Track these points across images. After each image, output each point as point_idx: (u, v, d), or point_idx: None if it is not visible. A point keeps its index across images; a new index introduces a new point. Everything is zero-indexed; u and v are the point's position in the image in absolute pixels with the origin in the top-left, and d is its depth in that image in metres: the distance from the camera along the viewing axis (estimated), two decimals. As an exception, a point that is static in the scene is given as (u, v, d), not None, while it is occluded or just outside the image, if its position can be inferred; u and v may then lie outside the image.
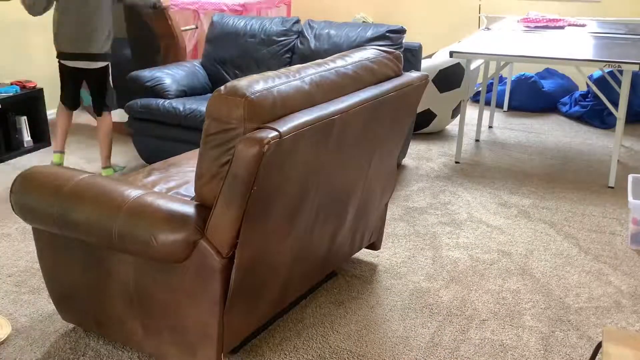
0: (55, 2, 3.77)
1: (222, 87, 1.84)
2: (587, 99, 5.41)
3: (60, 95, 3.93)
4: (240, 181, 1.78)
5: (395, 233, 3.24)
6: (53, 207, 2.04)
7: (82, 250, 2.14)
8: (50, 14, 4.85)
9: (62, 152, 4.00)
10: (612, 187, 3.87)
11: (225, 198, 1.82)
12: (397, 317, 2.50)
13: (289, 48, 4.14)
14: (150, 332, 2.11)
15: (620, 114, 3.83)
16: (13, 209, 2.16)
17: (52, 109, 5.16)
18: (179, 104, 3.83)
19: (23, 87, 4.50)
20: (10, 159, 4.38)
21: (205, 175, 1.88)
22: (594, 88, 4.14)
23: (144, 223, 1.88)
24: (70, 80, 3.87)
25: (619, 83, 4.03)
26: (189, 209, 1.90)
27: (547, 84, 5.72)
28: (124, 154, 4.46)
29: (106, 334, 2.27)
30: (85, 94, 4.97)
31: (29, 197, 2.10)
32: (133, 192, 1.99)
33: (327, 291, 2.68)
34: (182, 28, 4.72)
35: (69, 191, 2.04)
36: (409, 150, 4.31)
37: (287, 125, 1.83)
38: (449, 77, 4.71)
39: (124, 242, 1.92)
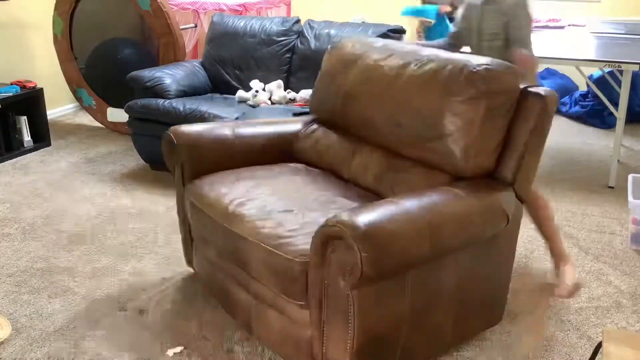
0: None
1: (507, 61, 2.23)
2: (587, 99, 5.41)
3: None
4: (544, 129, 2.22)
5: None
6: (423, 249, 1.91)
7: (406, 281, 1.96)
8: (50, 15, 4.85)
9: None
10: (612, 187, 3.87)
11: (533, 149, 2.20)
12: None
13: (289, 48, 4.14)
14: (459, 322, 2.19)
15: (620, 114, 3.83)
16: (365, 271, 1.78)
17: (52, 109, 5.16)
18: (179, 104, 3.83)
19: (23, 87, 4.50)
20: (10, 158, 4.37)
21: (489, 147, 2.18)
22: (594, 88, 4.14)
23: (494, 218, 2.13)
24: None
25: (619, 83, 4.03)
26: (508, 190, 2.20)
27: (547, 84, 5.72)
28: (124, 154, 4.46)
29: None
30: (85, 94, 4.97)
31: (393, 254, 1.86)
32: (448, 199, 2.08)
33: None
34: (181, 27, 4.73)
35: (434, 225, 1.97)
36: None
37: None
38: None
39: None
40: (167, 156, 2.68)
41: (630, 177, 3.32)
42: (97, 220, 3.38)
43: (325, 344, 1.96)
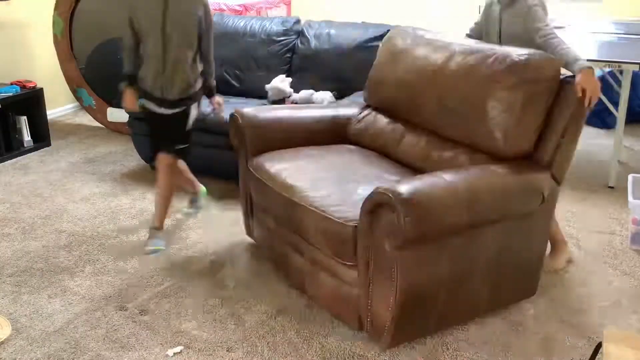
0: None
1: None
2: (587, 99, 5.40)
3: None
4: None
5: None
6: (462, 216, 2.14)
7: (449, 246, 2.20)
8: (50, 15, 4.85)
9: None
10: (612, 187, 3.87)
11: (571, 135, 2.41)
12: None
13: (290, 48, 4.14)
14: (495, 291, 2.41)
15: (621, 114, 3.83)
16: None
17: (52, 109, 5.17)
18: (179, 104, 3.82)
19: (23, 87, 4.50)
20: (10, 158, 4.37)
21: (528, 130, 2.39)
22: (594, 88, 4.13)
23: (529, 195, 2.35)
24: None
25: (619, 83, 4.03)
26: (544, 172, 2.39)
27: (547, 84, 5.71)
28: (124, 154, 4.46)
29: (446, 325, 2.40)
30: (85, 94, 4.97)
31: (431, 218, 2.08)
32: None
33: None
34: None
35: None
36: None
37: None
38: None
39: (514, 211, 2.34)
40: (233, 135, 2.94)
41: (630, 177, 3.32)
42: (97, 220, 3.38)
43: (370, 301, 2.21)
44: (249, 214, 2.97)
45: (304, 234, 2.44)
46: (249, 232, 3.03)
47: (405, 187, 2.06)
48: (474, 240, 2.25)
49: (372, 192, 2.11)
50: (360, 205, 2.17)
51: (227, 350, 2.29)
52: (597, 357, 1.82)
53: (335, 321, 2.46)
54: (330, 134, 3.05)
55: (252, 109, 2.99)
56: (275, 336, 2.37)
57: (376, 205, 2.09)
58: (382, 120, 2.99)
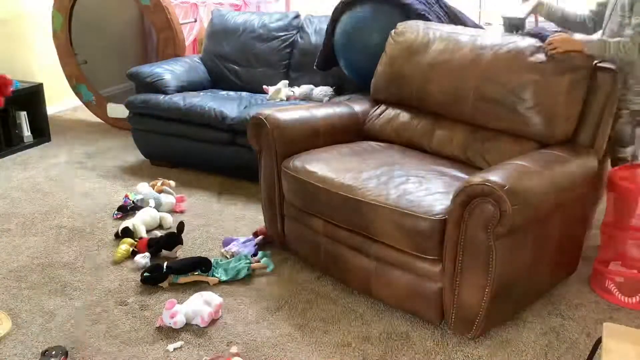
0: None
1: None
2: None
3: None
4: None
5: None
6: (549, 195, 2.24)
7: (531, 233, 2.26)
8: (49, 11, 4.84)
9: None
10: (612, 183, 3.86)
11: (607, 117, 2.50)
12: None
13: (289, 43, 4.13)
14: (554, 270, 2.51)
15: (621, 109, 3.81)
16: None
17: (52, 105, 5.16)
18: (179, 99, 3.83)
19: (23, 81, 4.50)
20: (10, 154, 4.37)
21: (571, 115, 2.49)
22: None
23: (590, 175, 2.45)
24: None
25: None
26: (591, 153, 2.49)
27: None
28: (124, 149, 4.46)
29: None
30: (84, 89, 4.96)
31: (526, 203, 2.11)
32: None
33: (327, 286, 2.67)
34: (181, 21, 4.72)
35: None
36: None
37: None
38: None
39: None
40: (255, 138, 2.83)
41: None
42: (97, 216, 3.38)
43: (457, 293, 2.21)
44: (277, 217, 2.86)
45: (372, 232, 2.38)
46: (275, 235, 2.92)
47: (501, 177, 2.08)
48: (549, 222, 2.34)
49: (464, 184, 2.11)
50: (436, 198, 2.26)
51: (227, 345, 2.30)
52: (596, 352, 1.82)
53: (336, 316, 2.47)
54: (348, 131, 3.04)
55: (272, 111, 2.83)
56: (274, 331, 2.38)
57: (472, 196, 2.08)
58: (405, 115, 3.00)
